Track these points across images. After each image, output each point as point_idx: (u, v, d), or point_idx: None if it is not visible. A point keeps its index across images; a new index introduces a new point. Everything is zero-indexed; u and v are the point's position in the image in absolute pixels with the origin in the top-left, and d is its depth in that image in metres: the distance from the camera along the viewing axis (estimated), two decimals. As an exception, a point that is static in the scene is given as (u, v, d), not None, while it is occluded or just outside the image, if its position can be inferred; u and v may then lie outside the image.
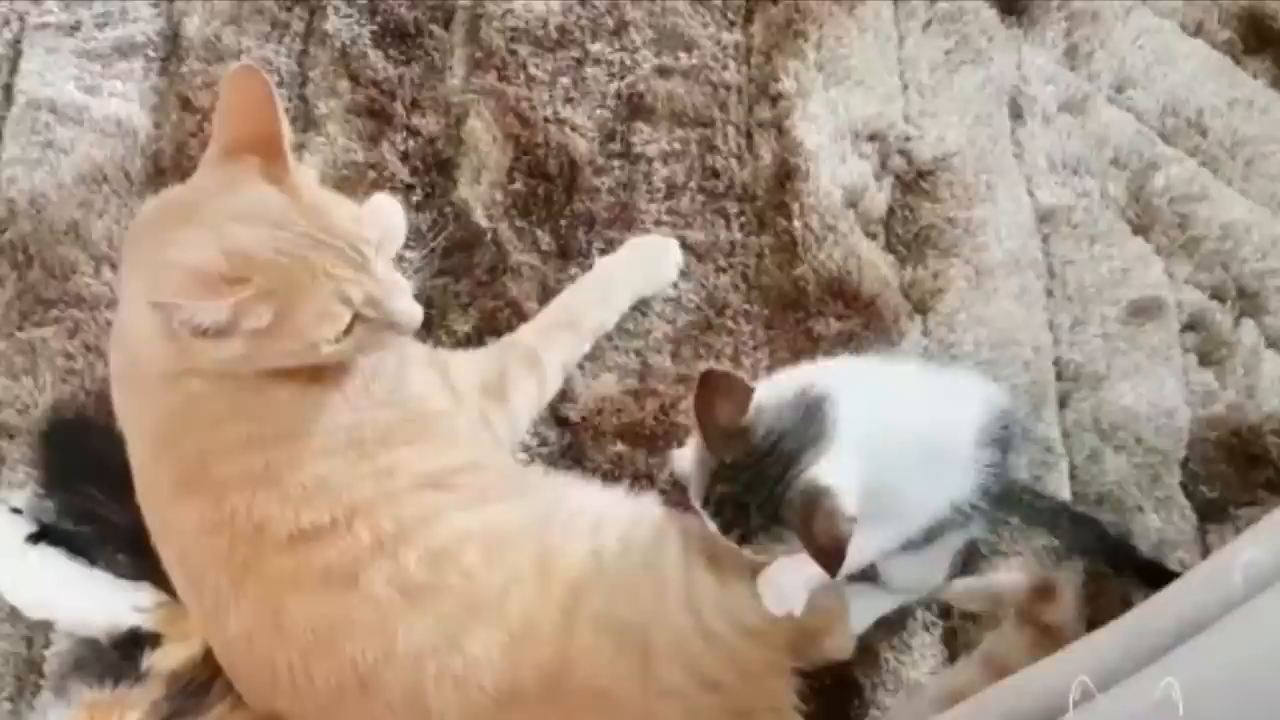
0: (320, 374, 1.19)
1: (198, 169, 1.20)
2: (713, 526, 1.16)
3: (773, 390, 1.15)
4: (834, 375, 1.19)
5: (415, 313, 1.21)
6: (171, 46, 1.65)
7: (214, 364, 1.13)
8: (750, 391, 1.12)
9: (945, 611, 1.41)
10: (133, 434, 1.21)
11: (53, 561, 1.31)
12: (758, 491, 1.12)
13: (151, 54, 1.64)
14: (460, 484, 1.22)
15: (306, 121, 1.61)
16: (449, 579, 1.16)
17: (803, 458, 1.11)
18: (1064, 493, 1.47)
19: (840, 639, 1.33)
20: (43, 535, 1.33)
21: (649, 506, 1.32)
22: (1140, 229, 1.60)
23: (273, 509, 1.14)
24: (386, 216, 1.48)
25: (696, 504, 1.17)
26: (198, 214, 1.12)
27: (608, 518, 1.25)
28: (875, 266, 1.56)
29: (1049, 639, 1.27)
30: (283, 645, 1.14)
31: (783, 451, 1.11)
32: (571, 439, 1.46)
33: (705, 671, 1.19)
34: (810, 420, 1.13)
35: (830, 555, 1.06)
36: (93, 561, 1.31)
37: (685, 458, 1.35)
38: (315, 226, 1.13)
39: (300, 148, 1.59)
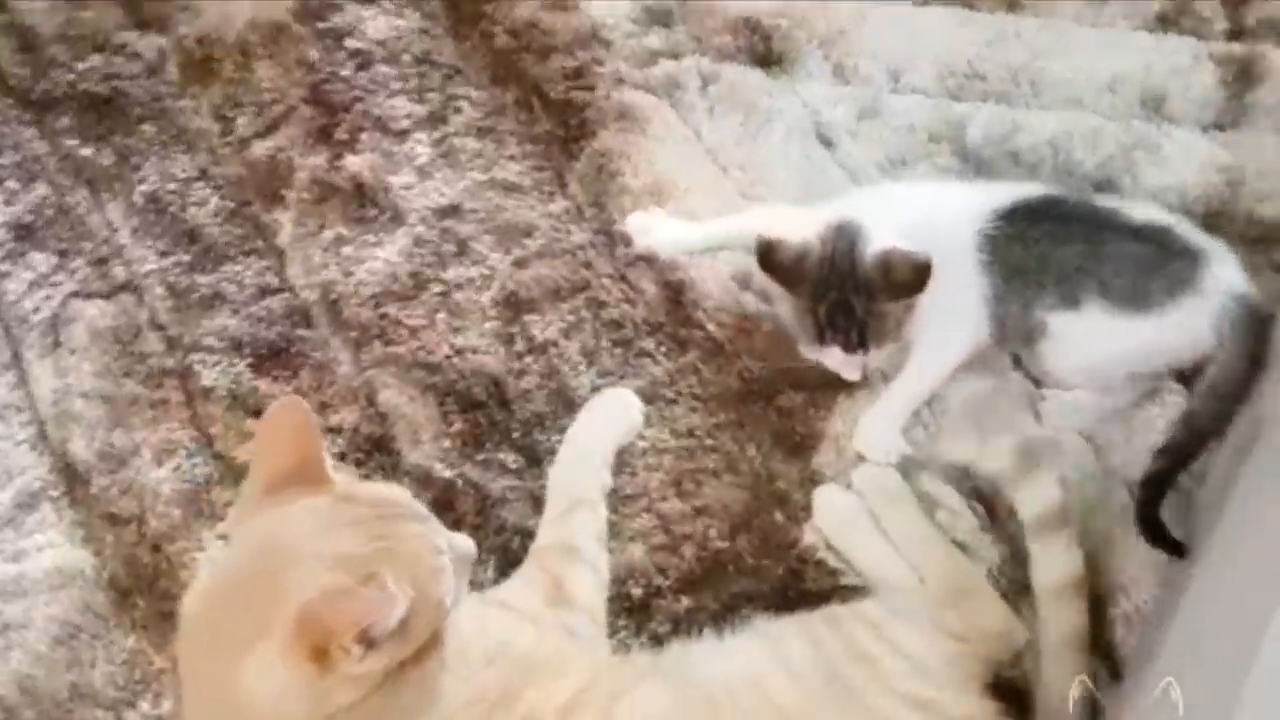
0: (419, 667, 1.15)
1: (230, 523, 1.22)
2: (836, 353, 1.49)
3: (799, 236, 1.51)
4: (843, 207, 1.54)
5: (469, 540, 1.24)
6: (70, 476, 1.60)
7: (358, 689, 1.08)
8: (783, 243, 1.49)
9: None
10: None
11: None
12: (844, 288, 1.45)
13: (55, 493, 1.59)
14: (589, 700, 1.21)
15: (236, 476, 1.58)
16: None
17: (855, 248, 1.46)
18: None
19: (1002, 620, 1.37)
20: None
21: (768, 628, 1.33)
22: (987, 178, 1.73)
23: None
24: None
25: (813, 348, 1.51)
26: (281, 558, 1.10)
27: (755, 663, 1.25)
28: (798, 327, 1.64)
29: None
30: None
31: (840, 251, 1.46)
32: (641, 618, 1.47)
33: None
34: (843, 231, 1.48)
35: (922, 278, 1.42)
36: None
37: (641, 224, 1.70)
38: (376, 508, 1.15)
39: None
